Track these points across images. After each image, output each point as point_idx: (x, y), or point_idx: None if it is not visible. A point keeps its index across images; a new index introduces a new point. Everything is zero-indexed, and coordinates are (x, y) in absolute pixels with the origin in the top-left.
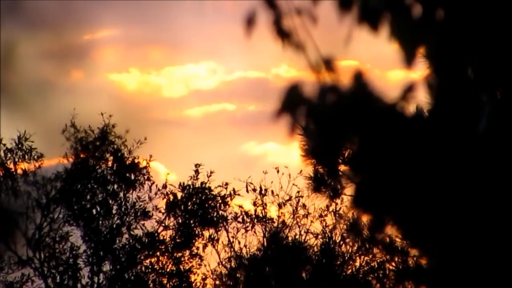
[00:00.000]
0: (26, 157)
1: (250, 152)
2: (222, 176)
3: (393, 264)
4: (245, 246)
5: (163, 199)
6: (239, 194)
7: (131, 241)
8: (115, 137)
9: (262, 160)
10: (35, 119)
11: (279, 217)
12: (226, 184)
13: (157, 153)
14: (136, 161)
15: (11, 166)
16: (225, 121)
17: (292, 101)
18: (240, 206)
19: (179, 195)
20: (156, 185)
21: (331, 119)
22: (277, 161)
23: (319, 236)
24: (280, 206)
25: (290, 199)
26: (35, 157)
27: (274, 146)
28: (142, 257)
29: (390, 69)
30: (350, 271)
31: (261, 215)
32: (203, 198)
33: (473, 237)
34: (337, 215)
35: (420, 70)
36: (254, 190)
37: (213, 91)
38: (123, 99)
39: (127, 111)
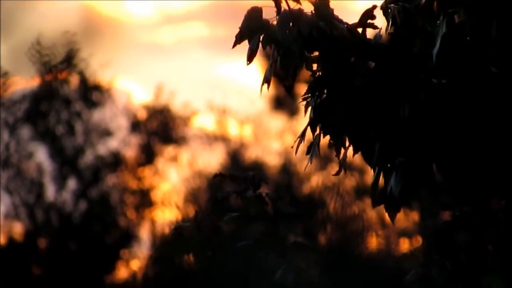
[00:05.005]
0: None
1: (218, 73)
2: (189, 96)
3: (352, 182)
4: (206, 164)
5: (126, 119)
6: (199, 113)
7: (95, 159)
8: (80, 60)
9: (230, 81)
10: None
11: (239, 136)
12: (188, 104)
13: (125, 73)
14: (99, 82)
15: None
16: (195, 42)
17: (252, 27)
18: (201, 126)
19: (142, 115)
20: (119, 105)
21: (290, 44)
22: (246, 83)
23: (278, 156)
24: (240, 124)
25: (250, 118)
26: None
27: (242, 68)
28: (106, 175)
29: None
30: (308, 189)
31: (221, 134)
32: (165, 117)
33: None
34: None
35: None
36: (216, 109)
37: (183, 13)
38: (92, 21)
39: (96, 33)
